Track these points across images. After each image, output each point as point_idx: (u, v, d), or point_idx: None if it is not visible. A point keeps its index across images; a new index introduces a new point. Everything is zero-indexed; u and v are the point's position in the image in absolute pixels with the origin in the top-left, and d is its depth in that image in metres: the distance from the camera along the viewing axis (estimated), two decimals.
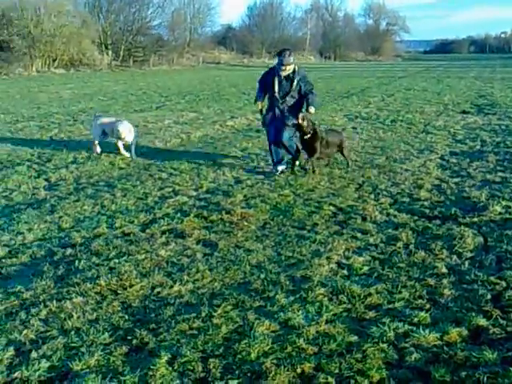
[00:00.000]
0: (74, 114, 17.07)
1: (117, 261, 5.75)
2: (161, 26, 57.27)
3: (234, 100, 21.64)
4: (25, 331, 4.39)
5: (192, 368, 3.90)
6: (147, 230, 6.68)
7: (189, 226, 6.80)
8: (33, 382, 3.77)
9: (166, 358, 3.98)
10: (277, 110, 9.59)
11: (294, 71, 9.39)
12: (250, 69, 49.90)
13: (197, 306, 4.78)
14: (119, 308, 4.78)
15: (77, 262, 5.73)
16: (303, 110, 9.44)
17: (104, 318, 4.61)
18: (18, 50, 38.24)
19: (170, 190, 8.50)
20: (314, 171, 9.48)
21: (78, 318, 4.60)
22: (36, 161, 10.58)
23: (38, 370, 3.88)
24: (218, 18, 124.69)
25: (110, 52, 48.55)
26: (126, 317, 4.62)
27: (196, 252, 6.02)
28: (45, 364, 3.95)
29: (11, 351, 4.12)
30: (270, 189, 8.54)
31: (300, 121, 9.12)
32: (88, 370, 3.87)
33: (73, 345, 4.20)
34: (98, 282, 5.24)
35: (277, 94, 9.48)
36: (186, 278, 5.35)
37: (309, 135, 9.23)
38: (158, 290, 5.12)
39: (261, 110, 10.01)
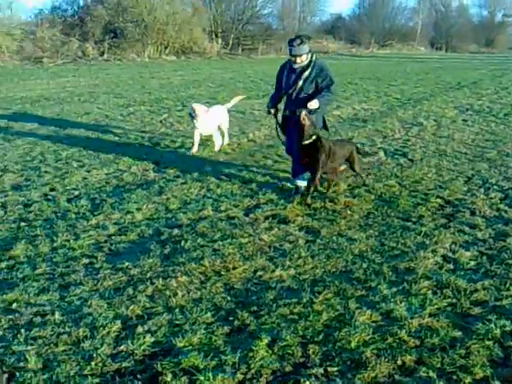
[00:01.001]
0: (184, 99, 17.45)
1: (221, 243, 5.85)
2: (270, 15, 57.48)
3: (341, 89, 21.42)
4: (131, 306, 4.55)
5: (291, 352, 3.92)
6: (251, 215, 6.75)
7: (292, 213, 6.81)
8: (138, 356, 3.90)
9: (266, 341, 4.01)
10: (288, 113, 7.81)
11: (309, 63, 7.54)
12: (357, 59, 49.24)
13: (298, 292, 4.79)
14: (222, 289, 4.86)
15: (182, 242, 5.88)
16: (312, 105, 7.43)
17: (207, 297, 4.70)
18: (132, 37, 39.44)
19: (275, 176, 8.54)
20: (306, 194, 7.38)
21: (183, 296, 4.72)
22: (146, 144, 10.91)
23: (143, 344, 4.01)
24: (328, 7, 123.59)
25: (219, 40, 49.25)
26: (229, 298, 4.70)
27: (298, 238, 6.03)
28: (149, 339, 4.08)
29: (118, 325, 4.28)
30: (375, 178, 8.41)
31: (301, 119, 7.14)
32: (191, 348, 3.96)
33: (177, 322, 4.31)
34: (202, 262, 5.35)
35: (288, 92, 7.70)
36: (287, 263, 5.37)
37: (309, 140, 7.23)
38: (260, 273, 5.17)
39: (275, 117, 8.17)
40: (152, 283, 4.95)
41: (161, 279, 5.01)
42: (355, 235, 6.11)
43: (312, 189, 7.43)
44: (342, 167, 8.13)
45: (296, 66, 7.55)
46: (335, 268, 5.30)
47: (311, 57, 7.56)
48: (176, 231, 6.23)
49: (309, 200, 7.24)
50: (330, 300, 4.65)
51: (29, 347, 3.97)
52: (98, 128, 12.54)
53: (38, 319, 4.37)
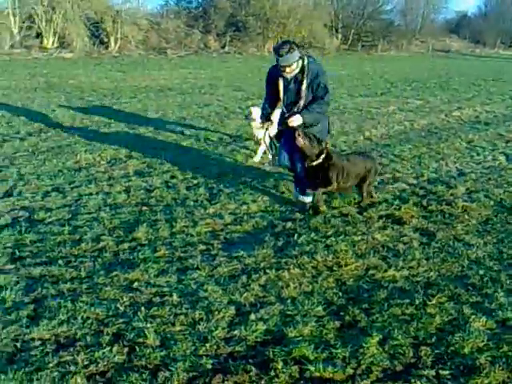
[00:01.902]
0: None
1: (333, 239, 5.89)
2: (393, 11, 56.53)
3: (463, 90, 20.81)
4: (245, 294, 4.68)
5: (403, 352, 3.91)
6: (364, 213, 6.74)
7: (407, 214, 6.74)
8: (250, 342, 4.02)
9: (377, 339, 4.02)
10: (283, 126, 6.87)
11: (302, 70, 6.58)
12: (482, 59, 47.53)
13: (410, 293, 4.76)
14: (333, 284, 4.91)
15: (296, 235, 5.97)
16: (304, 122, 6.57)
17: (319, 291, 4.76)
18: (253, 31, 40.04)
19: (390, 176, 8.46)
20: (317, 211, 6.75)
21: (295, 288, 4.80)
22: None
23: (256, 331, 4.13)
24: (453, 4, 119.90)
25: (339, 36, 49.02)
26: (340, 293, 4.73)
27: (413, 240, 5.97)
28: (262, 327, 4.19)
29: (232, 310, 4.42)
30: (496, 184, 8.14)
31: (297, 139, 6.41)
32: (301, 338, 4.04)
33: (288, 312, 4.40)
34: (314, 256, 5.42)
35: (282, 103, 6.87)
36: (401, 263, 5.34)
37: (316, 161, 6.53)
38: (373, 272, 5.16)
39: (267, 129, 7.45)
40: (265, 273, 5.07)
41: (274, 270, 5.12)
42: (472, 241, 5.97)
43: (313, 207, 6.78)
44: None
45: (287, 76, 6.63)
46: (450, 272, 5.21)
47: (302, 62, 6.58)
48: (289, 224, 6.32)
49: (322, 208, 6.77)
50: (444, 304, 4.58)
51: (148, 324, 4.19)
52: (217, 119, 12.87)
53: (157, 299, 4.59)
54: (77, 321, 4.22)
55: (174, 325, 4.20)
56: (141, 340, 4.00)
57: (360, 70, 29.40)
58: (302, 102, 6.63)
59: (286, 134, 6.89)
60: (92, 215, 6.46)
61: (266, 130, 7.43)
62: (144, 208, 6.74)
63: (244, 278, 4.97)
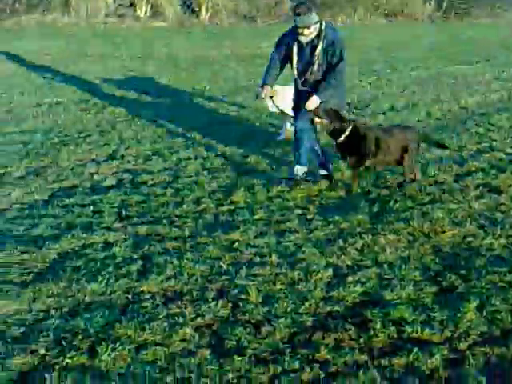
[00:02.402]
0: (393, 61, 17.28)
1: (429, 206, 5.91)
2: None
3: None
4: (342, 257, 4.81)
5: (500, 318, 3.93)
6: (460, 182, 6.69)
7: (504, 183, 6.64)
8: (348, 302, 4.14)
9: (474, 304, 4.06)
10: (295, 95, 6.77)
11: (318, 35, 6.30)
12: None
13: (509, 262, 4.74)
14: (430, 251, 4.95)
15: (391, 202, 6.02)
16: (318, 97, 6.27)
17: (415, 257, 4.82)
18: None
19: (487, 145, 8.30)
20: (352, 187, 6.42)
21: (391, 253, 4.88)
22: (354, 105, 11.05)
23: (353, 292, 4.25)
24: None
25: (432, 2, 47.57)
26: (437, 260, 4.78)
27: (510, 209, 5.89)
28: (359, 288, 4.30)
29: (329, 272, 4.55)
30: None
31: (314, 117, 6.22)
32: (399, 301, 4.13)
33: (385, 276, 4.49)
34: (410, 223, 5.46)
35: (295, 69, 6.55)
36: (498, 232, 5.30)
37: (343, 137, 6.25)
38: (470, 239, 5.16)
39: (271, 98, 7.50)
40: (361, 238, 5.16)
41: (370, 235, 5.21)
42: None
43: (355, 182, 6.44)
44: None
45: (303, 40, 6.32)
46: None
47: (320, 26, 6.29)
48: (384, 191, 6.37)
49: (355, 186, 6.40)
50: None
51: (250, 282, 4.38)
52: None
53: (257, 259, 4.78)
54: (183, 277, 4.47)
55: (274, 284, 4.38)
56: (243, 297, 4.19)
57: (454, 38, 28.52)
58: (315, 67, 6.35)
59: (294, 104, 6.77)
60: (192, 179, 6.74)
61: (270, 97, 7.31)
62: (241, 174, 6.93)
63: (340, 242, 5.08)
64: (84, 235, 5.17)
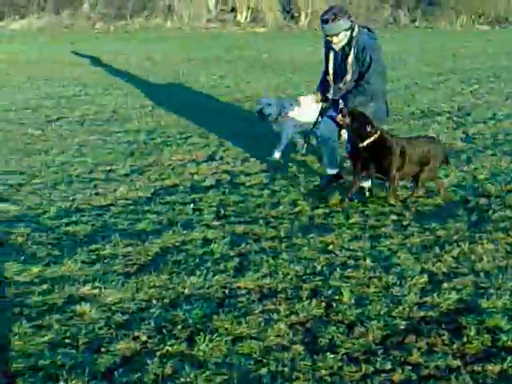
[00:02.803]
0: (496, 69, 16.80)
1: None
2: None
3: None
4: (438, 264, 4.78)
5: None
6: None
7: None
8: (442, 308, 4.12)
9: None
10: (326, 103, 6.56)
11: (349, 42, 6.05)
12: None
13: None
14: None
15: (490, 211, 5.91)
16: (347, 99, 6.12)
17: None
18: (446, 5, 38.66)
19: None
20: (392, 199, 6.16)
21: (488, 262, 4.81)
22: (455, 113, 10.86)
23: (448, 299, 4.22)
24: None
25: None
26: None
27: None
28: (454, 295, 4.27)
29: (424, 278, 4.54)
30: None
31: (340, 117, 5.93)
32: (494, 310, 4.07)
33: (481, 285, 4.44)
34: (509, 233, 5.36)
35: (330, 77, 6.35)
36: None
37: (366, 142, 5.90)
38: None
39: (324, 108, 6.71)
40: (458, 246, 5.10)
41: (467, 243, 5.14)
42: None
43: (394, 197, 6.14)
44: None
45: (335, 47, 6.14)
46: None
47: (351, 33, 6.03)
48: (483, 200, 6.25)
49: (395, 197, 6.11)
50: None
51: (343, 284, 4.44)
52: (407, 93, 12.78)
53: (352, 262, 4.83)
54: (278, 275, 4.58)
55: (368, 286, 4.42)
56: (337, 297, 4.26)
57: None
58: (348, 77, 6.14)
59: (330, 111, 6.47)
60: (288, 181, 6.86)
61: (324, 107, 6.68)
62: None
63: (437, 249, 5.05)
64: (184, 231, 5.39)
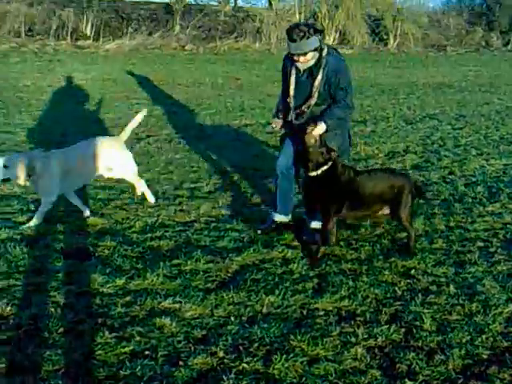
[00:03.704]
0: None
1: None
2: None
3: None
4: None
5: None
6: None
7: None
8: None
9: None
10: (287, 128, 5.90)
11: (317, 63, 5.40)
12: None
13: None
14: None
15: None
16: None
17: None
18: None
19: None
20: (314, 253, 5.34)
21: None
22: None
23: None
24: None
25: None
26: None
27: None
28: None
29: (510, 307, 4.40)
30: None
31: (307, 135, 5.19)
32: None
33: None
34: None
35: (291, 99, 5.64)
36: None
37: (320, 170, 5.21)
38: None
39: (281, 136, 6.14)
40: None
41: None
42: None
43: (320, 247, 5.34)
44: (385, 211, 5.49)
45: (300, 66, 5.47)
46: None
47: (320, 53, 5.38)
48: None
49: (316, 260, 5.22)
50: None
51: (425, 310, 4.35)
52: (497, 118, 12.44)
53: (434, 288, 4.73)
54: (357, 298, 4.54)
55: (450, 313, 4.32)
56: (417, 323, 4.18)
57: None
58: (312, 101, 5.49)
59: (284, 139, 5.92)
60: None
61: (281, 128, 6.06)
62: (421, 201, 6.85)
63: None
64: (265, 250, 5.42)
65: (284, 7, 33.15)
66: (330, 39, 32.93)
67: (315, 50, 5.32)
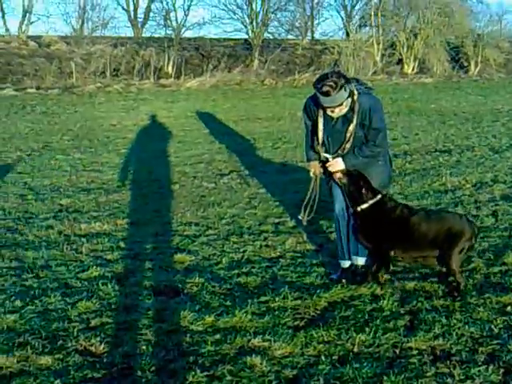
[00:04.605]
0: None
1: None
2: None
3: None
4: None
5: None
6: None
7: None
8: None
9: None
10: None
11: (352, 108, 5.15)
12: None
13: None
14: None
15: None
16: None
17: None
18: None
19: None
20: (375, 279, 5.35)
21: None
22: None
23: None
24: None
25: None
26: None
27: None
28: None
29: None
30: None
31: (335, 175, 5.28)
32: None
33: None
34: None
35: (320, 146, 5.44)
36: None
37: (364, 205, 5.18)
38: None
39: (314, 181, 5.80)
40: None
41: None
42: None
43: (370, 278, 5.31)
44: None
45: (334, 115, 5.20)
46: None
47: (352, 98, 5.13)
48: None
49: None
50: None
51: None
52: None
53: None
54: (452, 336, 4.38)
55: None
56: None
57: None
58: (347, 145, 5.27)
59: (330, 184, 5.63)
60: None
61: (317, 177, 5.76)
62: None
63: None
64: (353, 286, 5.34)
65: (362, 38, 33.17)
66: (409, 68, 32.69)
67: (348, 97, 5.08)
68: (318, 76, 5.32)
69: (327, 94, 4.94)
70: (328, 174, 5.52)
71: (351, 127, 5.20)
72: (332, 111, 5.14)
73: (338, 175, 5.24)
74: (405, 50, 33.02)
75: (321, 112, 5.29)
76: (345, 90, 5.00)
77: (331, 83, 4.91)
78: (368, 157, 5.31)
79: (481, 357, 4.11)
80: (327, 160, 5.40)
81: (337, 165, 5.28)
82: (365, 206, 5.17)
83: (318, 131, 5.37)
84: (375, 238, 5.23)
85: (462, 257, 5.18)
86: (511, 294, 5.07)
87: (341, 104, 5.05)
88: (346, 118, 5.21)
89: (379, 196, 5.20)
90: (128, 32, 33.94)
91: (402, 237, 5.20)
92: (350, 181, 5.19)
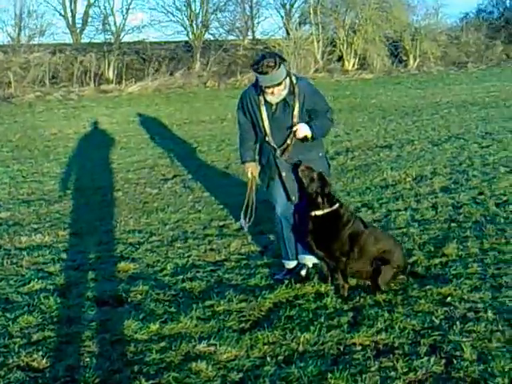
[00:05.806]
0: None
1: None
2: None
3: None
4: None
5: None
6: None
7: None
8: None
9: None
10: (273, 169, 5.43)
11: (291, 91, 5.14)
12: None
13: None
14: None
15: None
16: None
17: None
18: None
19: None
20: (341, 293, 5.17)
21: None
22: None
23: None
24: None
25: None
26: None
27: None
28: None
29: None
30: None
31: (299, 174, 5.14)
32: None
33: None
34: None
35: (269, 137, 5.32)
36: None
37: (322, 211, 5.11)
38: None
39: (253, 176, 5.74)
40: None
41: None
42: None
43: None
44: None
45: (272, 100, 5.16)
46: None
47: (290, 79, 5.15)
48: None
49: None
50: None
51: (464, 339, 4.25)
52: None
53: (472, 314, 4.62)
54: (394, 330, 4.45)
55: (490, 341, 4.20)
56: (457, 353, 4.08)
57: None
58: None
59: (270, 183, 5.55)
60: (402, 230, 6.71)
61: (252, 177, 5.74)
62: (452, 224, 6.78)
63: None
64: (297, 285, 5.37)
65: (302, 36, 33.37)
66: (350, 65, 33.07)
67: (286, 77, 5.07)
68: (255, 59, 5.19)
69: (265, 72, 4.93)
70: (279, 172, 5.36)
71: (296, 111, 5.15)
72: (272, 92, 5.07)
73: (302, 167, 5.11)
74: (345, 46, 33.36)
75: (262, 100, 5.22)
76: (283, 69, 5.01)
77: (269, 62, 4.92)
78: (325, 128, 5.33)
79: (423, 348, 4.18)
80: (275, 151, 5.31)
81: (303, 128, 5.13)
82: (320, 212, 5.12)
83: (263, 121, 5.27)
84: (325, 245, 5.20)
85: (390, 279, 5.21)
86: (451, 284, 5.18)
87: (280, 83, 5.02)
88: (287, 104, 5.16)
89: (336, 205, 5.16)
90: (67, 38, 33.45)
91: (355, 248, 5.16)
92: (312, 181, 5.07)
